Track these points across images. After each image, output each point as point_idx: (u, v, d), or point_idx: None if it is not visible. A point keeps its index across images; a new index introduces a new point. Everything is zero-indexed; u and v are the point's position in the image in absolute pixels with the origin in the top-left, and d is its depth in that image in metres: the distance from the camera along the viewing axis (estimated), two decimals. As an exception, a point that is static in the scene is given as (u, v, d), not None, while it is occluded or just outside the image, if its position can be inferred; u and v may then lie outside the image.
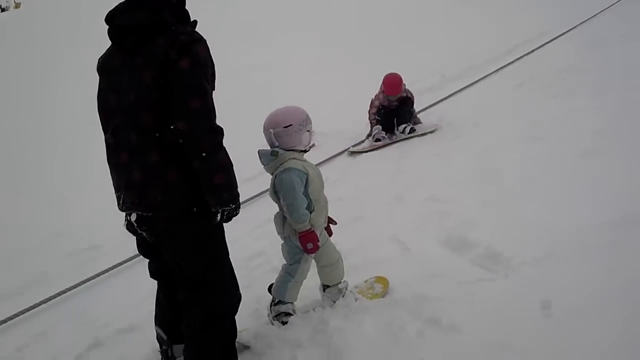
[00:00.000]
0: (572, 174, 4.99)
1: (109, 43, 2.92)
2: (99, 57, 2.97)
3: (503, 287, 3.55)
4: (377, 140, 7.42)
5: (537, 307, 3.22)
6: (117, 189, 2.92)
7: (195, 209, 2.78)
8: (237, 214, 2.87)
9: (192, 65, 2.63)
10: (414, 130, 7.41)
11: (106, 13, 2.84)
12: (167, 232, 2.84)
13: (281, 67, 13.68)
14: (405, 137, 7.35)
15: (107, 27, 2.85)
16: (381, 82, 7.57)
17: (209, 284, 2.90)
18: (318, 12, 21.10)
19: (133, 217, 2.88)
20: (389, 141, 7.41)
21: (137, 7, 2.75)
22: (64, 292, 4.76)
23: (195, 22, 2.87)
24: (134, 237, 3.13)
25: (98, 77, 2.95)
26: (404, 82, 7.49)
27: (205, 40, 2.72)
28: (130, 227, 2.98)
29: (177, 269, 2.93)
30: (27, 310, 4.56)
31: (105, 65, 2.90)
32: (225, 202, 2.76)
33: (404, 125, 7.39)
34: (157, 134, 2.70)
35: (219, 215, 2.80)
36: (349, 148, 7.51)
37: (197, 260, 2.87)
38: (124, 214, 3.00)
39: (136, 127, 2.71)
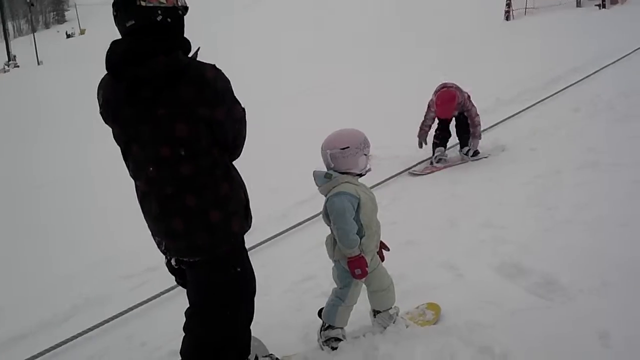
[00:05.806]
0: (628, 201, 4.88)
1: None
2: (101, 102, 2.79)
3: (559, 315, 3.45)
4: (439, 161, 7.26)
5: (594, 338, 3.14)
6: (156, 234, 2.95)
7: (237, 242, 2.92)
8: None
9: (227, 113, 2.75)
10: (478, 153, 7.24)
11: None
12: (203, 274, 2.93)
13: (339, 90, 13.73)
14: (469, 159, 7.22)
15: (115, 71, 2.67)
16: (433, 95, 7.14)
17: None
18: (375, 35, 21.26)
19: (173, 261, 3.00)
20: (449, 163, 7.26)
21: (149, 53, 2.59)
22: (115, 317, 4.66)
23: (198, 48, 2.81)
24: None
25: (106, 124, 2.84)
26: (463, 95, 6.99)
27: (222, 72, 2.72)
28: (170, 266, 3.09)
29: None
30: (76, 336, 4.43)
31: (115, 114, 2.76)
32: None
33: (467, 148, 7.22)
34: (194, 181, 2.74)
35: None
36: (410, 168, 7.34)
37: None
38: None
39: (175, 179, 2.73)
